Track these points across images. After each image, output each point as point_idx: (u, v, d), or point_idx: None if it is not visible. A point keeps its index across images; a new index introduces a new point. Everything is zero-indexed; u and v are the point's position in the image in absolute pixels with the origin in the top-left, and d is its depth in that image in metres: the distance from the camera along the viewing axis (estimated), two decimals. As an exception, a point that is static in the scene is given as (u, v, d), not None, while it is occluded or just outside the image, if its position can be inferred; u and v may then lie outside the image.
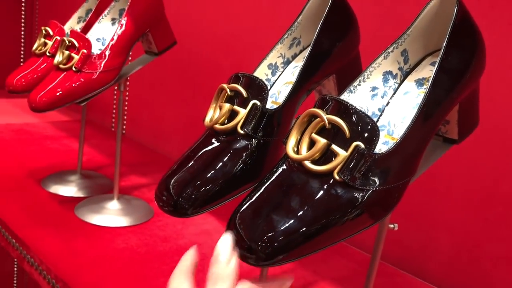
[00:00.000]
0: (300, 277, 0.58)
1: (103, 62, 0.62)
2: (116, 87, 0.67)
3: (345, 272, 0.61)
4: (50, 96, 0.59)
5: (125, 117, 1.10)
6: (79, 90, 0.61)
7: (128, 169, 0.87)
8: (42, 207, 0.68)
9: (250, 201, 0.33)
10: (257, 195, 0.33)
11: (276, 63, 0.46)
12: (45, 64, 0.68)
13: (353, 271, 0.62)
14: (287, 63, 0.47)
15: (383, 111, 0.39)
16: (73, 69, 0.60)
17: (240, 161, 0.38)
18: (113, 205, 0.68)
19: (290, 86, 0.42)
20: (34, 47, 0.69)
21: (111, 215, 0.66)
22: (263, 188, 0.33)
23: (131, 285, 0.52)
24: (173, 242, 0.62)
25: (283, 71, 0.46)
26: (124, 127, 1.10)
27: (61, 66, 0.61)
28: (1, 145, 0.91)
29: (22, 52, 1.41)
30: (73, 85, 0.60)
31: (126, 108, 1.10)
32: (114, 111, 1.14)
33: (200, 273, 0.56)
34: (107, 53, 0.62)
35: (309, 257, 0.64)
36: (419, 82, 0.39)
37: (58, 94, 0.59)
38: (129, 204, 0.70)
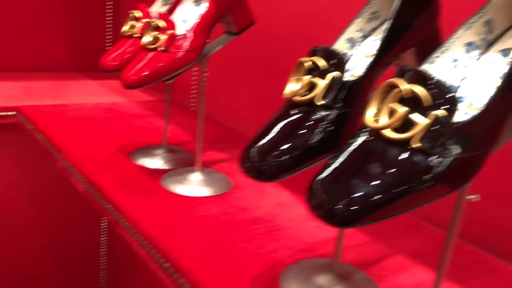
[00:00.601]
0: (375, 251, 0.59)
1: (187, 42, 0.66)
2: (195, 68, 0.71)
3: (421, 248, 0.61)
4: (140, 75, 0.64)
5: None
6: (166, 69, 0.65)
7: (207, 145, 0.92)
8: (131, 178, 0.74)
9: (330, 167, 0.35)
10: (336, 162, 0.35)
11: (354, 37, 0.47)
12: (134, 45, 0.73)
13: (429, 247, 0.62)
14: (365, 37, 0.47)
15: (464, 82, 0.39)
16: (160, 49, 0.65)
17: (319, 131, 0.39)
18: (196, 176, 0.73)
19: (368, 59, 0.43)
20: (123, 29, 0.74)
21: (194, 185, 0.71)
22: (342, 156, 0.35)
23: (214, 248, 0.55)
24: (250, 213, 0.66)
25: (361, 44, 0.47)
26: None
27: (149, 46, 0.65)
28: (94, 122, 0.99)
29: (109, 36, 1.51)
30: (160, 64, 0.65)
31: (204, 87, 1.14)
32: (192, 91, 1.20)
33: (276, 242, 0.59)
34: (190, 33, 0.66)
35: (384, 231, 0.65)
36: (504, 52, 0.39)
37: (147, 72, 0.64)
38: (210, 176, 0.74)
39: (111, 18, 1.50)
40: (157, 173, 0.76)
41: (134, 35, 0.72)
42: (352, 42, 0.46)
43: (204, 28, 0.67)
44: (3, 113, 1.04)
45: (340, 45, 0.46)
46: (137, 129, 0.98)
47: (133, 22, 0.74)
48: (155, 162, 0.79)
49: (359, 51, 0.46)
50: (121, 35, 0.75)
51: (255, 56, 0.99)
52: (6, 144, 1.22)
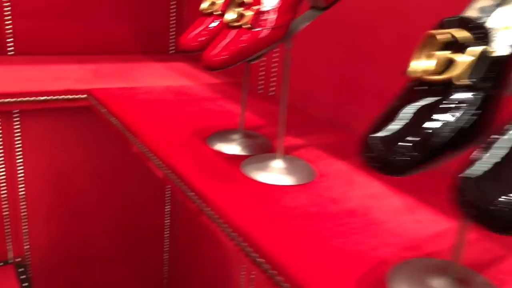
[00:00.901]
0: (487, 250, 0.53)
1: (274, 19, 0.61)
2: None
3: (541, 249, 0.54)
4: (223, 55, 0.60)
5: (274, 78, 1.10)
6: (251, 48, 0.60)
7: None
8: (210, 163, 0.70)
9: (485, 160, 0.29)
10: (494, 154, 0.29)
11: (487, 5, 0.40)
12: (215, 23, 0.69)
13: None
14: (498, 5, 0.40)
15: None
16: (245, 26, 0.60)
17: (461, 116, 0.33)
18: (278, 164, 0.68)
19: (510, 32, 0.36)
20: (202, 7, 0.70)
21: (277, 173, 0.66)
22: (500, 147, 0.29)
23: (309, 243, 0.51)
24: (342, 204, 0.61)
25: (493, 14, 0.40)
26: (273, 88, 1.11)
27: (233, 24, 0.61)
28: (165, 105, 0.97)
29: (173, 18, 1.48)
30: (245, 43, 0.60)
31: (274, 69, 1.09)
32: (261, 73, 1.15)
33: (375, 238, 0.54)
34: (277, 9, 0.61)
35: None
36: None
37: (231, 52, 0.60)
38: (292, 163, 0.69)
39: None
40: (236, 159, 0.72)
41: (214, 13, 0.68)
42: (485, 12, 0.40)
43: (291, 3, 0.62)
44: (74, 96, 1.04)
45: (472, 16, 0.39)
46: (209, 112, 0.95)
47: (213, -1, 0.69)
48: (232, 147, 0.75)
49: (494, 22, 0.40)
50: (200, 13, 0.71)
51: (336, 34, 0.92)
52: (74, 127, 1.23)
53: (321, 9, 0.66)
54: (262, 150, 0.76)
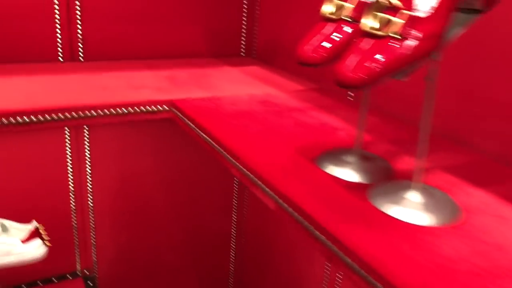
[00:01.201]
0: None
1: (427, 26, 0.50)
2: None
3: None
4: (366, 70, 0.50)
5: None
6: (399, 63, 0.50)
7: (396, 148, 0.76)
8: (330, 193, 0.60)
9: None
10: None
11: None
12: (344, 30, 0.58)
13: None
14: None
15: None
16: (393, 35, 0.50)
17: None
18: (414, 196, 0.57)
19: None
20: (325, 10, 0.60)
21: (415, 209, 0.56)
22: None
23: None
24: (511, 252, 0.49)
25: None
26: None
27: (376, 32, 0.50)
28: (255, 118, 0.87)
29: (244, 20, 1.39)
30: (391, 56, 0.50)
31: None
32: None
33: None
34: (430, 14, 0.50)
35: None
36: None
37: (376, 67, 0.49)
38: (432, 196, 0.58)
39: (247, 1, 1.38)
40: (358, 188, 0.62)
41: (343, 17, 0.58)
42: None
43: (446, 6, 0.51)
44: (154, 108, 0.96)
45: None
46: (305, 126, 0.85)
47: (339, 1, 0.59)
48: (349, 172, 0.65)
49: None
50: (322, 17, 0.60)
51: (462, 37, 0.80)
52: (144, 137, 1.17)
53: (475, 12, 0.54)
54: (384, 176, 0.65)
